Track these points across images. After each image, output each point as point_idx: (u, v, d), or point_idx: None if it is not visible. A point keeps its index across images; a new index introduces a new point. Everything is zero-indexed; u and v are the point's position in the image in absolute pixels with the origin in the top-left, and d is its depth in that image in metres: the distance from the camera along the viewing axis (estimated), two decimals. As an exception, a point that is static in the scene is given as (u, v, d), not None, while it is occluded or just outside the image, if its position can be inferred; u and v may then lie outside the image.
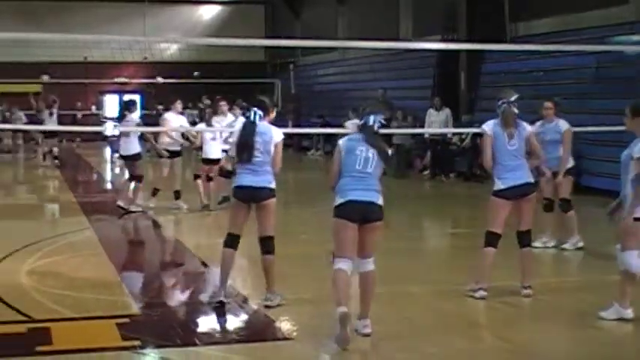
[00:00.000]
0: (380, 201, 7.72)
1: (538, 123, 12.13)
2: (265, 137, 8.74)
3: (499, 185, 9.16)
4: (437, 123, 22.75)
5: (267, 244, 8.78)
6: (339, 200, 7.70)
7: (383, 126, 7.95)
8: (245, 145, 8.70)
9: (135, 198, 16.21)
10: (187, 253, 12.54)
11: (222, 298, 8.78)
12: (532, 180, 9.27)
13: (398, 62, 29.76)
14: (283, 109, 37.17)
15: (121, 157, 17.42)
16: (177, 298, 9.72)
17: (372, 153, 7.72)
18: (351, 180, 7.69)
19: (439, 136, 23.13)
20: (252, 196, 8.73)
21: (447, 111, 23.18)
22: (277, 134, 8.86)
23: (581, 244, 12.09)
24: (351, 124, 16.08)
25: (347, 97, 29.89)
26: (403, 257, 11.61)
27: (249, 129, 8.76)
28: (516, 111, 9.20)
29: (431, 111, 23.30)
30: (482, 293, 9.03)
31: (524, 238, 9.28)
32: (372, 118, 7.83)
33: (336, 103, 31.40)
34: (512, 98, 9.20)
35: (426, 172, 23.89)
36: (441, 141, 23.33)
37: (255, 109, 8.86)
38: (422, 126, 23.13)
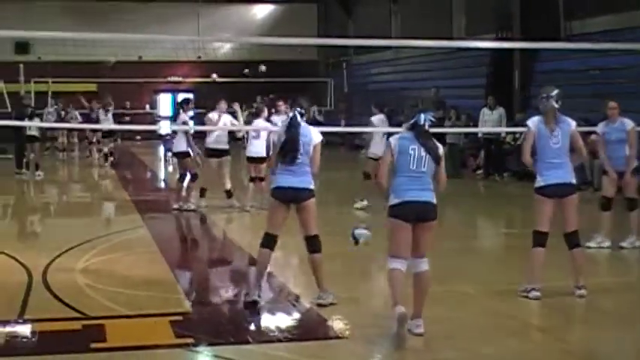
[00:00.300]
0: (435, 200, 7.70)
1: (602, 123, 12.04)
2: (306, 139, 8.76)
3: (539, 182, 9.08)
4: (490, 122, 22.58)
5: (312, 243, 8.79)
6: (394, 200, 7.68)
7: (433, 124, 7.90)
8: (290, 146, 8.70)
9: (188, 196, 16.29)
10: (239, 251, 12.58)
11: (255, 297, 8.77)
12: (574, 181, 9.13)
13: (451, 61, 29.64)
14: (336, 107, 37.19)
15: (174, 154, 17.56)
16: (230, 296, 9.71)
17: (424, 152, 7.68)
18: (406, 180, 7.66)
19: (493, 135, 23.00)
20: (293, 197, 8.73)
21: (500, 110, 22.99)
22: (316, 135, 8.88)
23: (638, 243, 11.98)
24: (377, 119, 16.26)
25: (400, 96, 29.71)
26: (457, 257, 11.55)
27: (294, 130, 8.77)
28: (556, 105, 9.08)
29: (484, 110, 23.14)
30: (535, 294, 8.95)
31: (572, 239, 9.16)
32: (422, 117, 7.76)
33: (389, 102, 31.21)
34: (553, 93, 9.11)
35: (480, 172, 23.78)
36: (494, 140, 23.21)
37: (298, 109, 8.88)
38: (475, 125, 22.99)
